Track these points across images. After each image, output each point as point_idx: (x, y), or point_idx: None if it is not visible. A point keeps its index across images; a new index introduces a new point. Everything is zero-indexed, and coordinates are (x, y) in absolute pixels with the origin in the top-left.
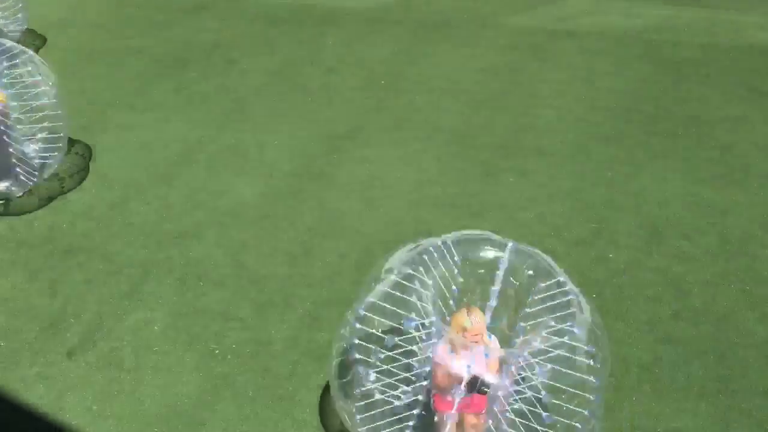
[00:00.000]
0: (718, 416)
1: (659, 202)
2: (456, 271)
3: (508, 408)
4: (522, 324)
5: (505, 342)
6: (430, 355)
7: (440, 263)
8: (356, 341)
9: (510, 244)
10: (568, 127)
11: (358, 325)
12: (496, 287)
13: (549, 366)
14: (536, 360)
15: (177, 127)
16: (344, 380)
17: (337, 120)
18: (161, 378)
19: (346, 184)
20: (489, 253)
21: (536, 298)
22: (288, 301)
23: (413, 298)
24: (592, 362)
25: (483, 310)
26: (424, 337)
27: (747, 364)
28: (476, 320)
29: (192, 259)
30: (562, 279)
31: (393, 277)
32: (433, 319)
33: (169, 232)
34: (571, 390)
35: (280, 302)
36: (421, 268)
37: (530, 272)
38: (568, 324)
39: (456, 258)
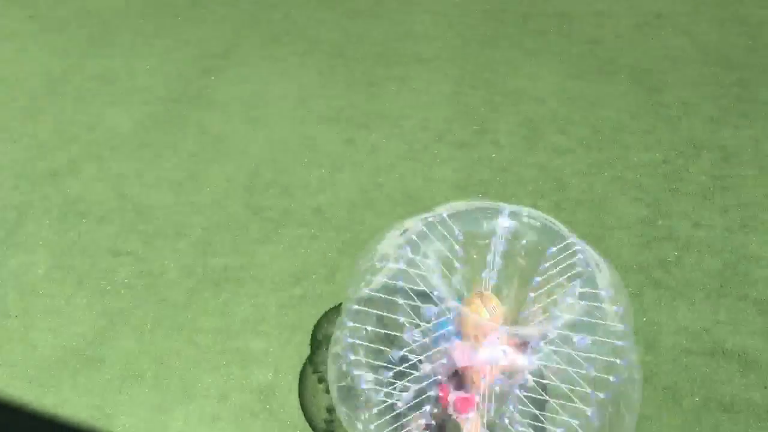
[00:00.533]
0: None
1: (536, 100)
2: (457, 248)
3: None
4: (533, 294)
5: (516, 315)
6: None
7: (438, 242)
8: (350, 341)
9: (506, 210)
10: (445, 32)
11: (351, 323)
12: (494, 258)
13: (589, 339)
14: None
15: (36, 57)
16: (342, 384)
17: (210, 39)
18: (52, 321)
19: (227, 105)
20: (486, 223)
21: (547, 264)
22: (178, 229)
23: (422, 286)
24: (623, 327)
25: (487, 286)
26: (436, 324)
27: (621, 244)
28: (493, 309)
29: (71, 197)
30: (572, 239)
31: (392, 265)
32: (453, 304)
33: (42, 171)
34: (606, 359)
35: (170, 232)
36: (417, 254)
37: (535, 237)
38: (592, 289)
39: (457, 233)
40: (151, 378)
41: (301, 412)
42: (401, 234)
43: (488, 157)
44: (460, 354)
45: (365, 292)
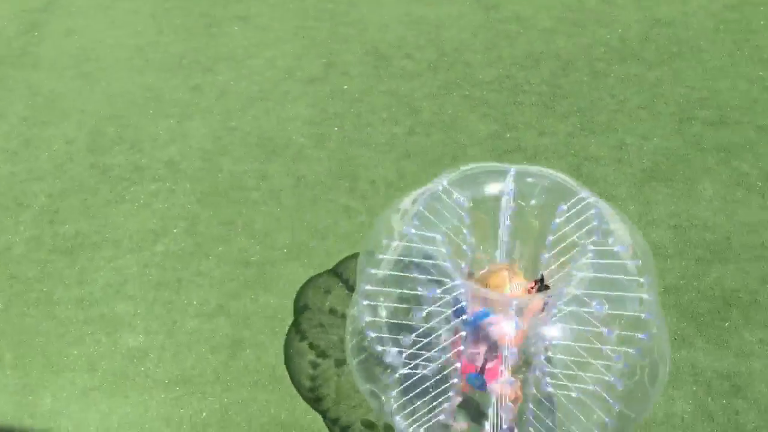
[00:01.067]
0: None
1: (380, 27)
2: (464, 216)
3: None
4: (546, 255)
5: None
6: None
7: (444, 212)
8: (367, 319)
9: (512, 170)
10: None
11: (365, 302)
12: (504, 220)
13: (605, 305)
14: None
15: None
16: (362, 358)
17: None
18: None
19: (56, 62)
20: (493, 186)
21: (559, 221)
22: (19, 200)
23: (429, 262)
24: (642, 280)
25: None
26: (451, 302)
27: (476, 160)
28: (517, 286)
29: None
30: (584, 194)
31: (397, 243)
32: (458, 282)
33: None
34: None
35: (11, 204)
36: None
37: (544, 195)
38: (609, 243)
39: (462, 200)
40: (11, 359)
41: (178, 367)
42: (400, 214)
43: (340, 90)
44: (496, 327)
45: (376, 272)
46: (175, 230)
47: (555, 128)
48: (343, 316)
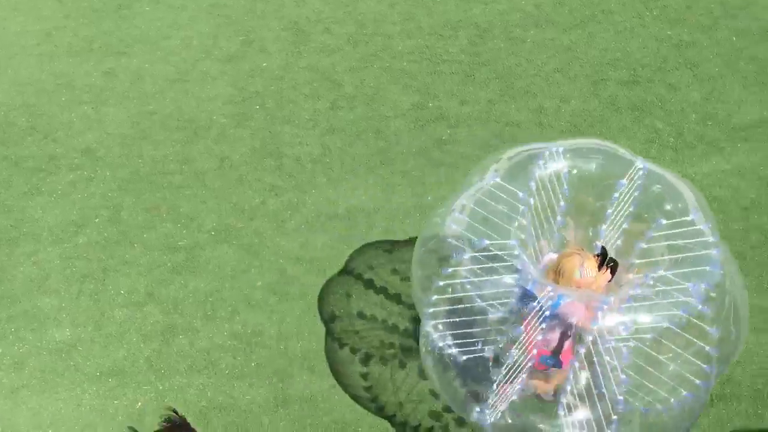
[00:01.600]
0: (384, 184)
1: (297, 2)
2: (522, 207)
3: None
4: (605, 227)
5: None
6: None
7: (501, 207)
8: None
9: (641, 164)
10: None
11: (453, 225)
12: (559, 204)
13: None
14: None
15: None
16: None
17: None
18: None
19: None
20: (541, 168)
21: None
22: None
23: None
24: (713, 239)
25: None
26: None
27: (399, 132)
28: (587, 273)
29: None
30: (639, 164)
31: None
32: (512, 241)
33: None
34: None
35: None
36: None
37: (598, 169)
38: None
39: (521, 195)
40: None
41: (109, 359)
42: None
43: (259, 67)
44: (574, 311)
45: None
46: (96, 220)
47: (476, 96)
48: (276, 294)
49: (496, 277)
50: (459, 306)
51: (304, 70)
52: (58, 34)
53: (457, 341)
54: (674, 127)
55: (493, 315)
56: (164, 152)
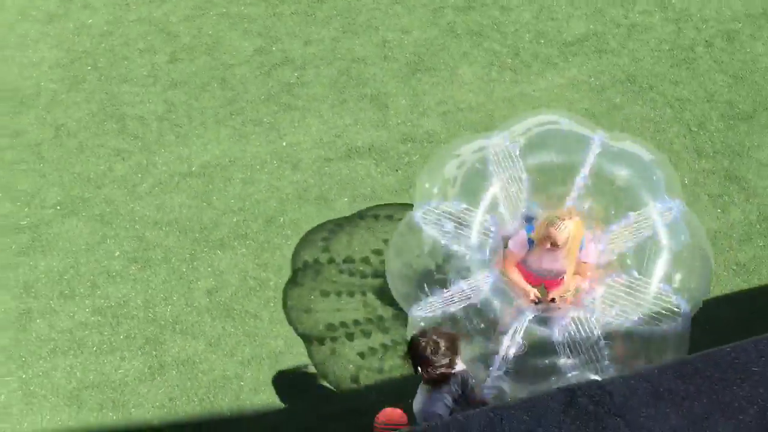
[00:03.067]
0: (237, 134)
1: None
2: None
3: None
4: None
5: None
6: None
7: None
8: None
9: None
10: None
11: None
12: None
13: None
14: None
15: None
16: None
17: None
18: None
19: None
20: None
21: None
22: None
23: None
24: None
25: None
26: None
27: (245, 80)
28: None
29: None
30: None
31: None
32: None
33: None
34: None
35: None
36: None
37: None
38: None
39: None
40: None
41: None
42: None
43: (85, 25)
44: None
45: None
46: None
47: (320, 35)
48: (137, 261)
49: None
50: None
51: (134, 23)
52: None
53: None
54: (511, 48)
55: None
56: None
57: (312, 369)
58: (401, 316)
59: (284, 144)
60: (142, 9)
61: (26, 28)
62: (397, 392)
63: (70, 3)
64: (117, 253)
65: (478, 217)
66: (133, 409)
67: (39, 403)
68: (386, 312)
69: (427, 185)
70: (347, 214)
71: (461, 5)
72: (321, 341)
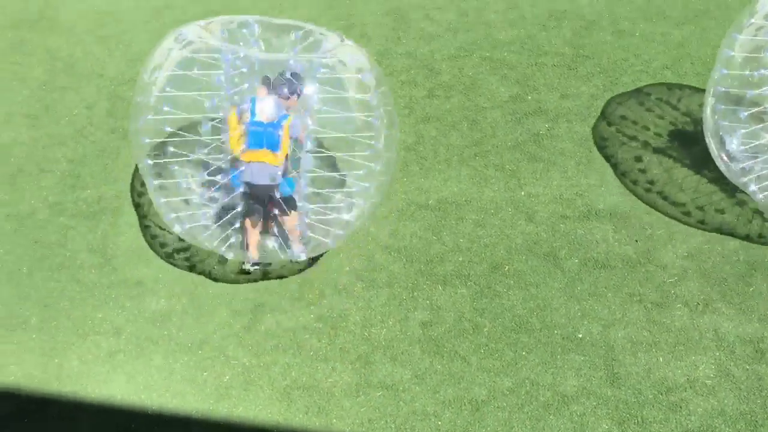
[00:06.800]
0: (477, 177)
1: None
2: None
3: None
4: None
5: None
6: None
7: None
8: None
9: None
10: None
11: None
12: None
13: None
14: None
15: None
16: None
17: None
18: None
19: (74, 25)
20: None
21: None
22: (41, 166)
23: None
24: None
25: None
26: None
27: (495, 124)
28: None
29: None
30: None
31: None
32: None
33: None
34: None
35: (33, 169)
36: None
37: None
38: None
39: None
40: (36, 323)
41: (201, 331)
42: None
43: None
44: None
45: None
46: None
47: (578, 90)
48: (363, 280)
49: None
50: None
51: (402, 56)
52: (168, 11)
53: None
54: None
55: None
56: None
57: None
58: None
59: (522, 193)
60: (411, 44)
61: None
62: None
63: (350, 31)
64: (347, 269)
65: None
66: (335, 420)
67: (255, 392)
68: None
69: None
70: (575, 275)
71: None
72: (522, 405)
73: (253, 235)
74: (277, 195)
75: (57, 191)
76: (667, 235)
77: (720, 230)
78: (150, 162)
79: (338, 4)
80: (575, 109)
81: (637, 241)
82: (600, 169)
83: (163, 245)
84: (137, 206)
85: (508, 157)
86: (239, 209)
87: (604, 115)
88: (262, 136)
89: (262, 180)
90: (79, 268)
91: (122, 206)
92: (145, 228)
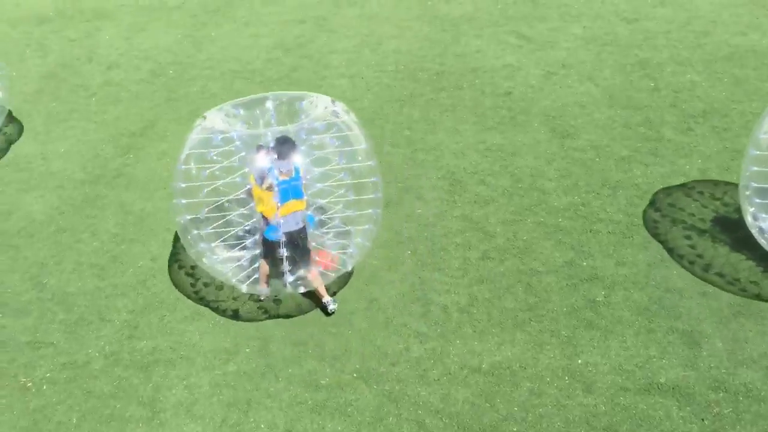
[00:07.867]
0: (532, 341)
1: (455, 153)
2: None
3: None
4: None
5: None
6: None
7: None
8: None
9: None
10: (363, 94)
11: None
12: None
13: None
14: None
15: None
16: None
17: (126, 117)
18: None
19: (148, 182)
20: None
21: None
22: (102, 315)
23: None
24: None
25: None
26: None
27: (550, 289)
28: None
29: None
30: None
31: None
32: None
33: None
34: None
35: (94, 318)
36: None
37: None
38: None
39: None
40: None
41: None
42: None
43: (414, 214)
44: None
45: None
46: (247, 350)
47: (634, 257)
48: None
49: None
50: None
51: (456, 219)
52: None
53: None
54: None
55: None
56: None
57: None
58: None
59: (579, 362)
60: (466, 208)
61: None
62: None
63: (406, 194)
64: None
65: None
66: None
67: None
68: None
69: None
70: None
71: None
72: None
73: (264, 266)
74: (309, 229)
75: (114, 342)
76: (735, 415)
77: None
78: (196, 232)
79: (396, 168)
80: (632, 277)
81: (703, 420)
82: (659, 340)
83: (210, 402)
84: (189, 360)
85: (564, 323)
86: (257, 252)
87: (662, 284)
88: (289, 191)
89: (296, 225)
90: (127, 422)
91: (175, 359)
92: (194, 382)
